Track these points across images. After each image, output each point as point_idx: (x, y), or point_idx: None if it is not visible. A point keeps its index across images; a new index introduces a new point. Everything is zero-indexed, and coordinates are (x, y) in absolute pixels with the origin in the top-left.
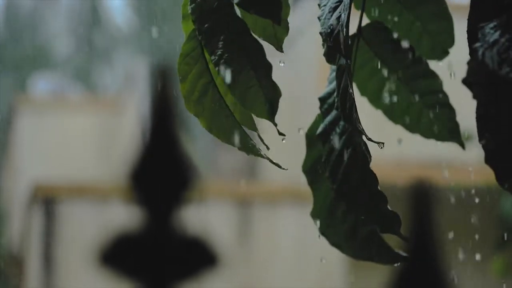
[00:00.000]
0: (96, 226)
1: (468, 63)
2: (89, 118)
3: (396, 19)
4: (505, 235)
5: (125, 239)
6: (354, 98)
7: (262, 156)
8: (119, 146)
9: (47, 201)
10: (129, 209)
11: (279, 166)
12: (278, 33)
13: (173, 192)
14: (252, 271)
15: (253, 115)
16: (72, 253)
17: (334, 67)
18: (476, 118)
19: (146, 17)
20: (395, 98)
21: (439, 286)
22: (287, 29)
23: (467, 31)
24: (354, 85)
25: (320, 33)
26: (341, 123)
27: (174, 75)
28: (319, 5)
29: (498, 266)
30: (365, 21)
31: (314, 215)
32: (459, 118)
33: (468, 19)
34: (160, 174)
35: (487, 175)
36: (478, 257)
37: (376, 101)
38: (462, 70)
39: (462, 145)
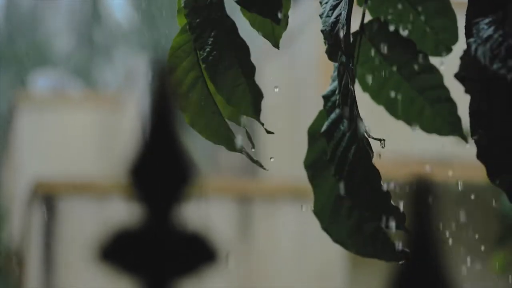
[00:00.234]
0: (96, 223)
1: (461, 58)
2: (89, 115)
3: (399, 16)
4: (506, 231)
5: (125, 235)
6: (355, 95)
7: (244, 154)
8: (119, 142)
9: (47, 198)
10: (129, 205)
11: (261, 166)
12: (277, 29)
13: (173, 188)
14: (252, 268)
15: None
16: (72, 250)
17: (337, 64)
18: (469, 113)
19: (146, 13)
20: (396, 94)
21: (440, 283)
22: (286, 24)
23: (464, 26)
24: (356, 81)
25: (321, 31)
26: (345, 120)
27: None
28: (320, 2)
29: (499, 262)
30: (368, 18)
31: (317, 211)
32: (461, 113)
33: (466, 15)
34: (160, 171)
35: None
36: (478, 253)
37: (377, 97)
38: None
39: (465, 139)
